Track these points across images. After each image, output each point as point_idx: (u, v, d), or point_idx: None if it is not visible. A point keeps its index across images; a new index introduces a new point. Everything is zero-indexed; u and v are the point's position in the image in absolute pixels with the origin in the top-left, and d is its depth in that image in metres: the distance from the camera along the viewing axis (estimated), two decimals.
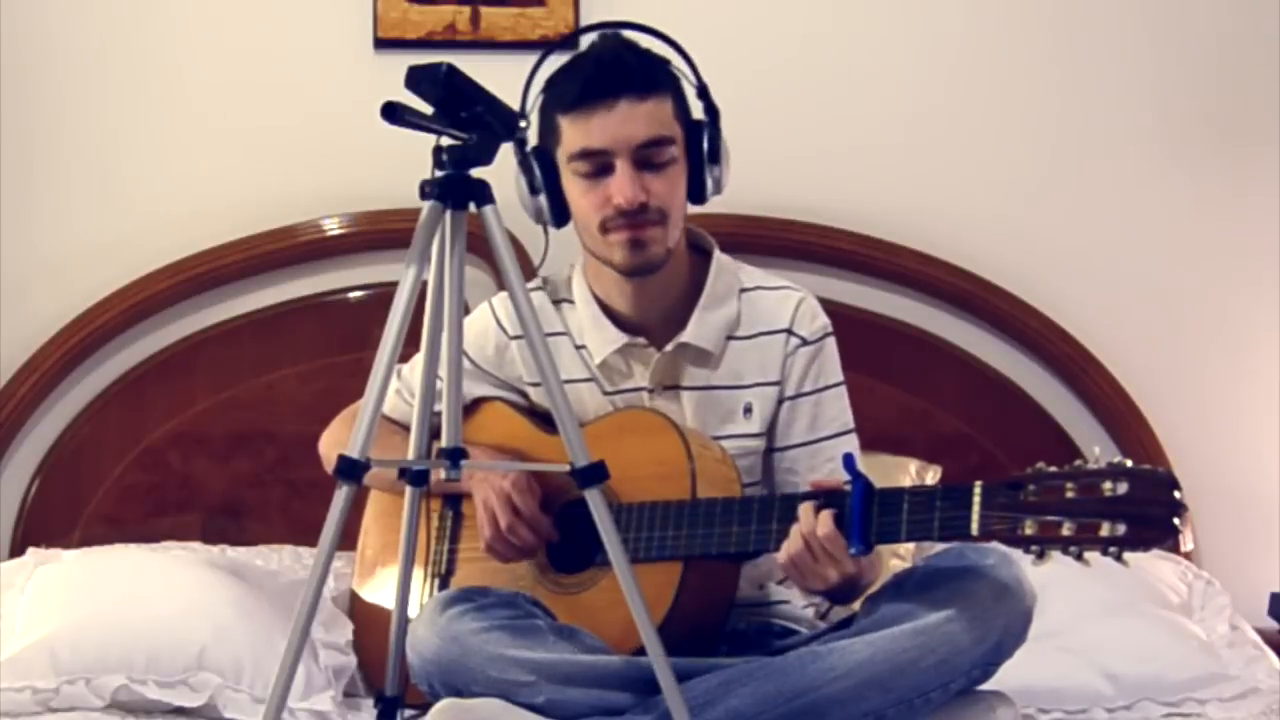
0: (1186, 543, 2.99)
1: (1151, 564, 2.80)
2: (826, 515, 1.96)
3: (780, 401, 2.27)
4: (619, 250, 2.18)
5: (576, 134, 2.17)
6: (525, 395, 2.37)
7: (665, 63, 2.22)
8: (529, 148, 2.23)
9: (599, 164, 2.16)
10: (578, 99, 2.16)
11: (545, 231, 2.28)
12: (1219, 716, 2.43)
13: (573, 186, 2.20)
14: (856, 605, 2.14)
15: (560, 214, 2.24)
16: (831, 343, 2.30)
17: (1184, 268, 3.11)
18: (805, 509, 1.98)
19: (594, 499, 1.88)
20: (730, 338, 2.27)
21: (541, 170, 2.22)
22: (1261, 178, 3.08)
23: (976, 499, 1.87)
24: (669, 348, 2.26)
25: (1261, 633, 2.77)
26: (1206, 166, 3.09)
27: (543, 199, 2.23)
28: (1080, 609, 2.55)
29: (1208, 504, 2.99)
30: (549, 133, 2.21)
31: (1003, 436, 3.03)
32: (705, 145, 2.20)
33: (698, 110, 2.25)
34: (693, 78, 2.24)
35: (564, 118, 2.18)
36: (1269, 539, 3.08)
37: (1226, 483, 3.05)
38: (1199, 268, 3.11)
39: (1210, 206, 3.10)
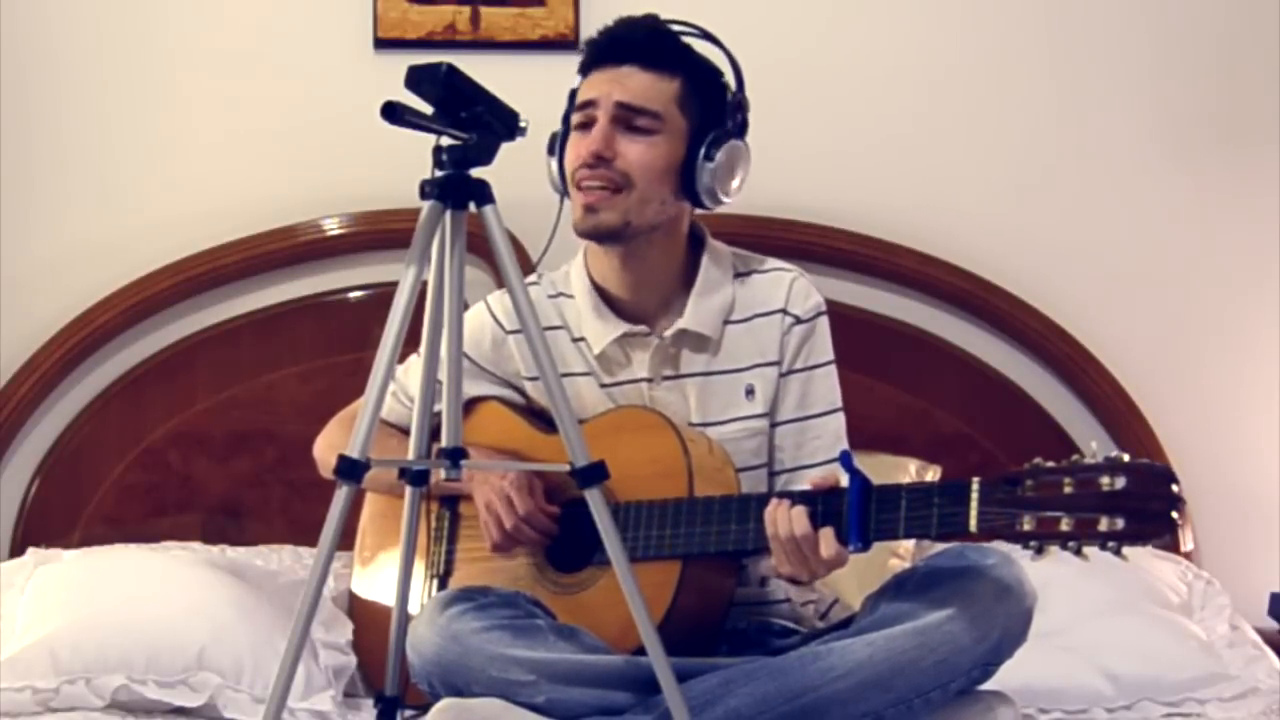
0: (1186, 542, 2.99)
1: (1151, 564, 2.80)
2: (800, 513, 1.97)
3: (779, 379, 2.27)
4: (576, 209, 2.22)
5: (581, 90, 2.23)
6: (523, 391, 2.37)
7: (698, 59, 2.24)
8: (566, 109, 2.28)
9: (587, 116, 2.21)
10: (592, 58, 2.24)
11: (560, 200, 2.28)
12: (1219, 716, 2.43)
13: (569, 143, 2.24)
14: (845, 588, 2.13)
15: (565, 182, 2.27)
16: (824, 321, 2.30)
17: (1184, 268, 3.11)
18: (800, 516, 1.98)
19: (594, 499, 1.88)
20: (727, 322, 2.28)
21: (563, 135, 2.26)
22: (1261, 178, 3.08)
23: (974, 495, 1.87)
24: (668, 335, 2.27)
25: (1261, 633, 2.77)
26: (1206, 166, 3.09)
27: (554, 163, 2.27)
28: (1080, 609, 2.55)
29: (1208, 504, 2.99)
30: (573, 96, 2.26)
31: (1003, 436, 3.03)
32: (704, 148, 2.20)
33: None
34: (734, 89, 2.25)
35: (581, 78, 2.24)
36: (1269, 539, 3.08)
37: (1226, 483, 3.05)
38: (1199, 268, 3.11)
39: (1210, 206, 3.10)
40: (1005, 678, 2.04)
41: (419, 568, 2.26)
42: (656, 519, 2.12)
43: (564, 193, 2.27)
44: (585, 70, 2.25)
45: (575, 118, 2.23)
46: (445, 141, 1.88)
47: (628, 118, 2.19)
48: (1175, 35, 3.08)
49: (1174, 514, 1.75)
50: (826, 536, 1.96)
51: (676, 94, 2.20)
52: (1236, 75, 3.08)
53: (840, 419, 2.28)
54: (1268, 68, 3.07)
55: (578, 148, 2.21)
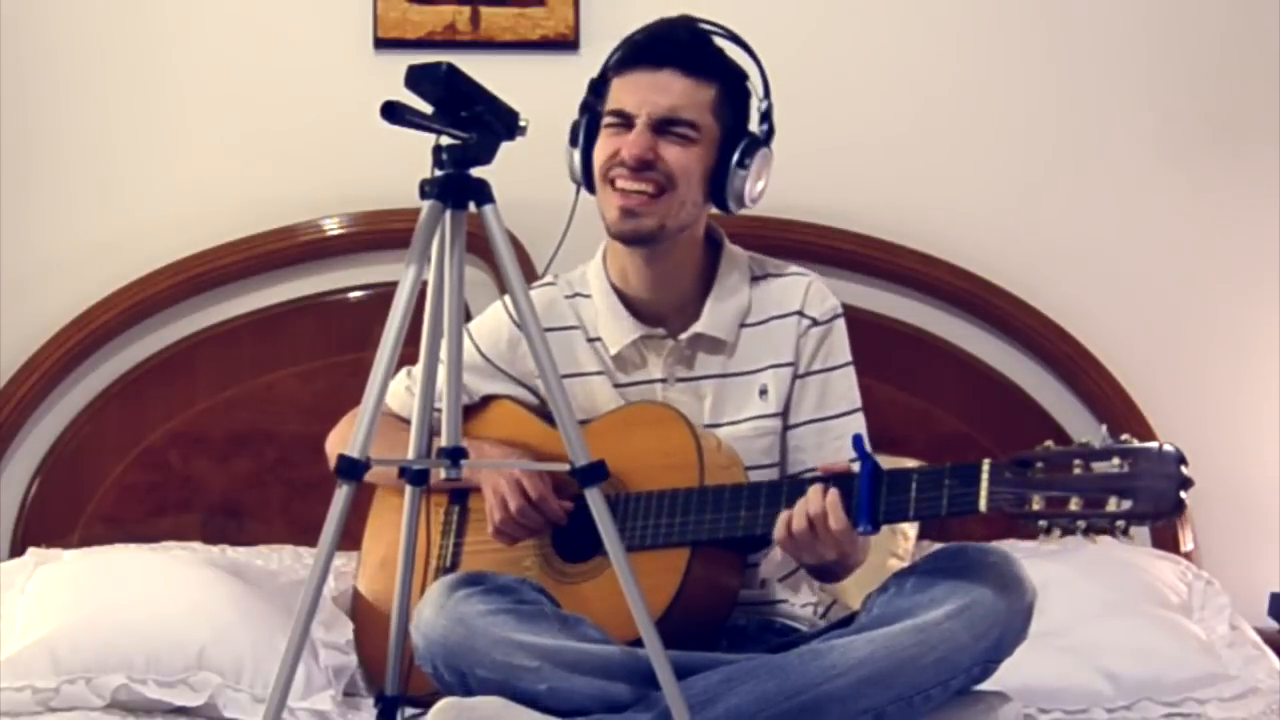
0: (1186, 541, 2.99)
1: (1151, 564, 2.80)
2: (835, 499, 1.98)
3: (794, 380, 2.28)
4: (611, 210, 2.23)
5: (617, 92, 2.24)
6: (536, 391, 2.37)
7: (732, 65, 2.26)
8: (586, 99, 2.29)
9: (624, 123, 2.22)
10: (629, 59, 2.24)
11: (576, 192, 2.30)
12: (1219, 716, 2.43)
13: (599, 140, 2.25)
14: (845, 588, 2.15)
15: (589, 176, 2.28)
16: (841, 323, 2.33)
17: (1184, 267, 3.10)
18: (815, 491, 2.00)
19: (593, 498, 1.88)
20: (743, 325, 2.30)
21: (587, 127, 2.27)
22: (1261, 178, 3.08)
23: (985, 476, 1.90)
24: (684, 337, 2.28)
25: (1261, 633, 2.77)
26: (1206, 166, 3.09)
27: (576, 155, 2.28)
28: (1080, 609, 2.55)
29: (1208, 504, 2.98)
30: (602, 91, 2.27)
31: (1003, 436, 3.02)
32: (738, 154, 2.22)
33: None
34: (762, 94, 2.28)
35: (615, 77, 2.25)
36: (1269, 539, 3.08)
37: (1226, 483, 3.04)
38: (1199, 267, 3.11)
39: (1210, 206, 3.10)
40: (1005, 678, 2.05)
41: (424, 563, 2.26)
42: (666, 507, 2.13)
43: (583, 185, 2.27)
44: (622, 68, 2.25)
45: (610, 120, 2.23)
46: (445, 141, 1.88)
47: (665, 127, 2.20)
48: (1174, 36, 3.08)
49: (1182, 494, 1.78)
50: (834, 507, 1.97)
51: (712, 101, 2.22)
52: (1235, 76, 3.08)
53: (860, 420, 2.30)
54: (1267, 68, 3.07)
55: (612, 145, 2.22)
